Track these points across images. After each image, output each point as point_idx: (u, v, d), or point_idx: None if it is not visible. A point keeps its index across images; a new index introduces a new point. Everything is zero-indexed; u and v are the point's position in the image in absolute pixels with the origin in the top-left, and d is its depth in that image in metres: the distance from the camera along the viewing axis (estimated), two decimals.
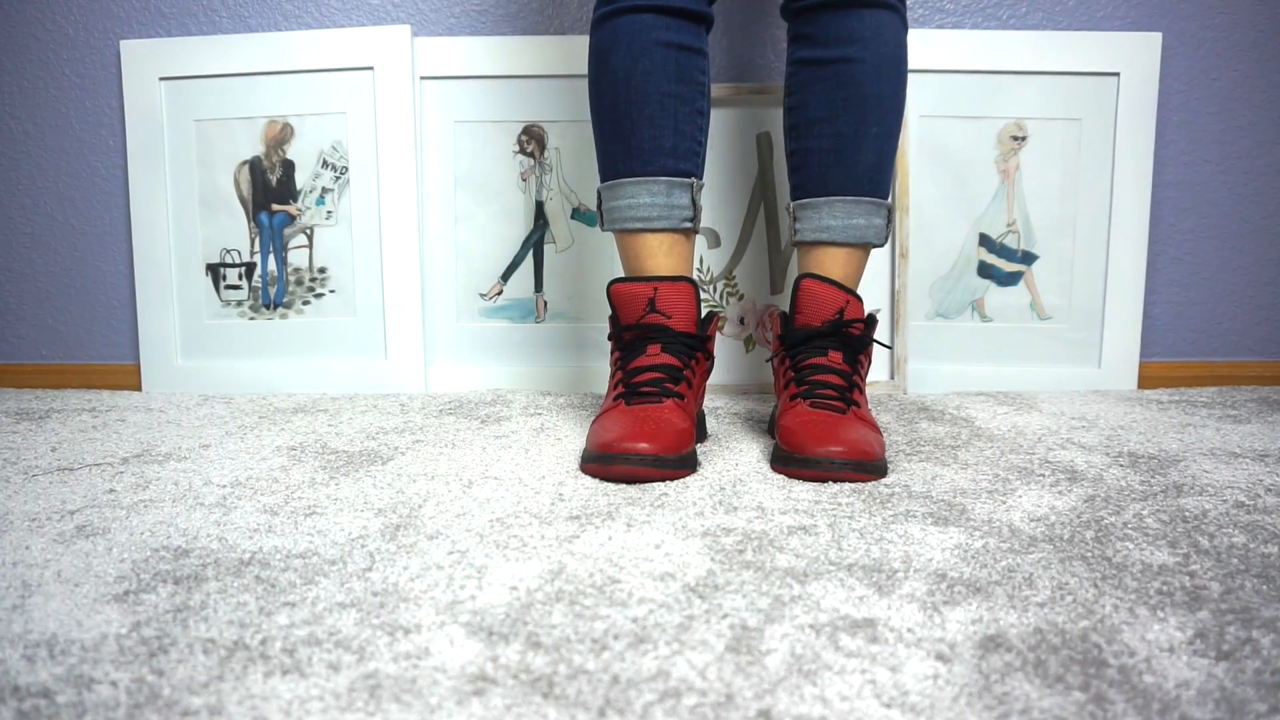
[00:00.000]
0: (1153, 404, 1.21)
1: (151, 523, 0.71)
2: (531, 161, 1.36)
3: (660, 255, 0.97)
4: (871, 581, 0.58)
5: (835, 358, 0.93)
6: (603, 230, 1.01)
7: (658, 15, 0.95)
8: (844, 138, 0.96)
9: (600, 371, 1.35)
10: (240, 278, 1.38)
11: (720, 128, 1.31)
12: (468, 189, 1.36)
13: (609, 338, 0.97)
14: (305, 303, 1.38)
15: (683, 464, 0.84)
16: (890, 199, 1.01)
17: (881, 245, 1.00)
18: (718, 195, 1.33)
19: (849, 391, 0.92)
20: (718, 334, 1.34)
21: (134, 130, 1.36)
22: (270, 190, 1.37)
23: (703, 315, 0.96)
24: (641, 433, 0.83)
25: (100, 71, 1.39)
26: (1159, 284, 1.40)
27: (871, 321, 0.96)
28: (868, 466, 0.83)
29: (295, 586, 0.58)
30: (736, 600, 0.55)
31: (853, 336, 0.94)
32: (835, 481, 0.82)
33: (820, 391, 0.91)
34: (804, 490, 0.79)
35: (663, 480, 0.83)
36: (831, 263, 0.98)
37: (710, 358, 0.97)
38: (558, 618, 0.53)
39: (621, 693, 0.44)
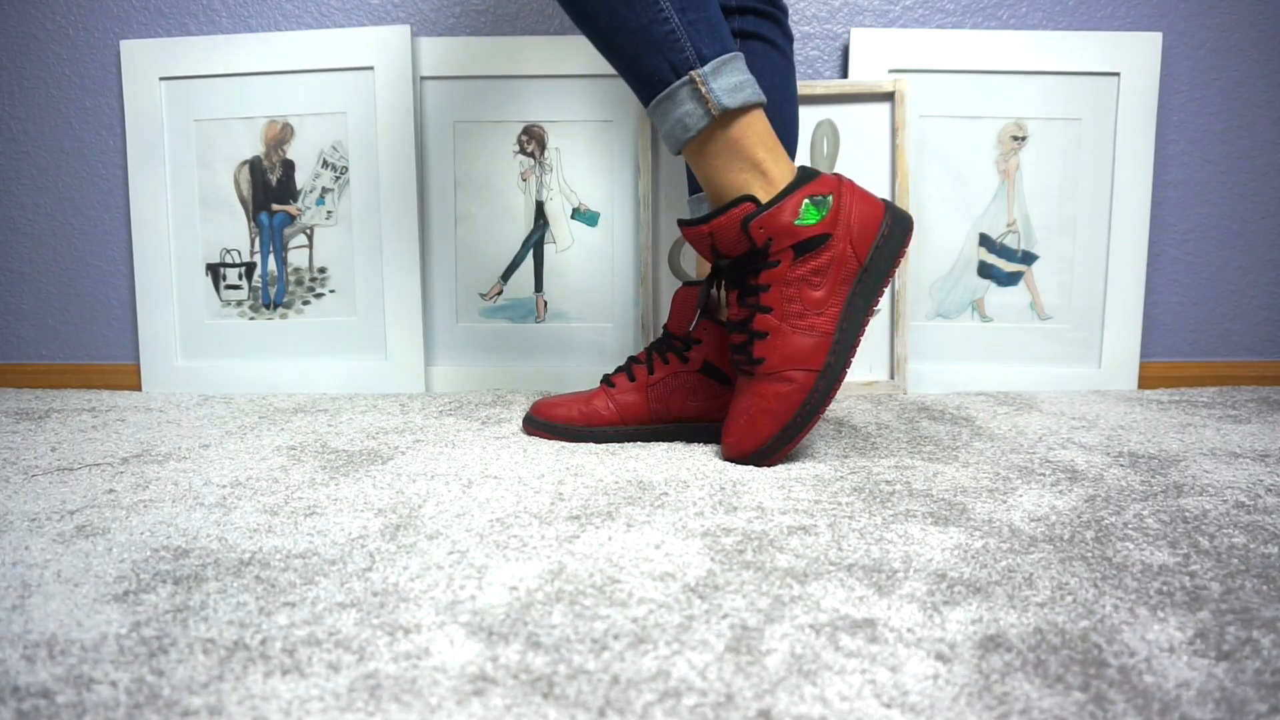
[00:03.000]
0: (1153, 404, 1.21)
1: (151, 523, 0.71)
2: (531, 161, 1.35)
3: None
4: (871, 581, 0.58)
5: (732, 301, 0.81)
6: None
7: None
8: None
9: (599, 371, 1.35)
10: (240, 278, 1.38)
11: None
12: (468, 189, 1.36)
13: None
14: (305, 303, 1.38)
15: (572, 435, 0.97)
16: (674, 77, 0.77)
17: (688, 134, 0.79)
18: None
19: (748, 346, 0.78)
20: None
21: (134, 130, 1.36)
22: (270, 190, 1.37)
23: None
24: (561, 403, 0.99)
25: (100, 71, 1.39)
26: (1159, 284, 1.40)
27: (737, 206, 0.76)
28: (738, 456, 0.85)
29: (295, 586, 0.58)
30: (736, 600, 0.55)
31: (730, 259, 0.77)
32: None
33: (744, 368, 0.83)
34: (804, 490, 0.79)
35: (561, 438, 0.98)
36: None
37: (685, 360, 0.97)
38: (558, 618, 0.53)
39: (621, 693, 0.44)
